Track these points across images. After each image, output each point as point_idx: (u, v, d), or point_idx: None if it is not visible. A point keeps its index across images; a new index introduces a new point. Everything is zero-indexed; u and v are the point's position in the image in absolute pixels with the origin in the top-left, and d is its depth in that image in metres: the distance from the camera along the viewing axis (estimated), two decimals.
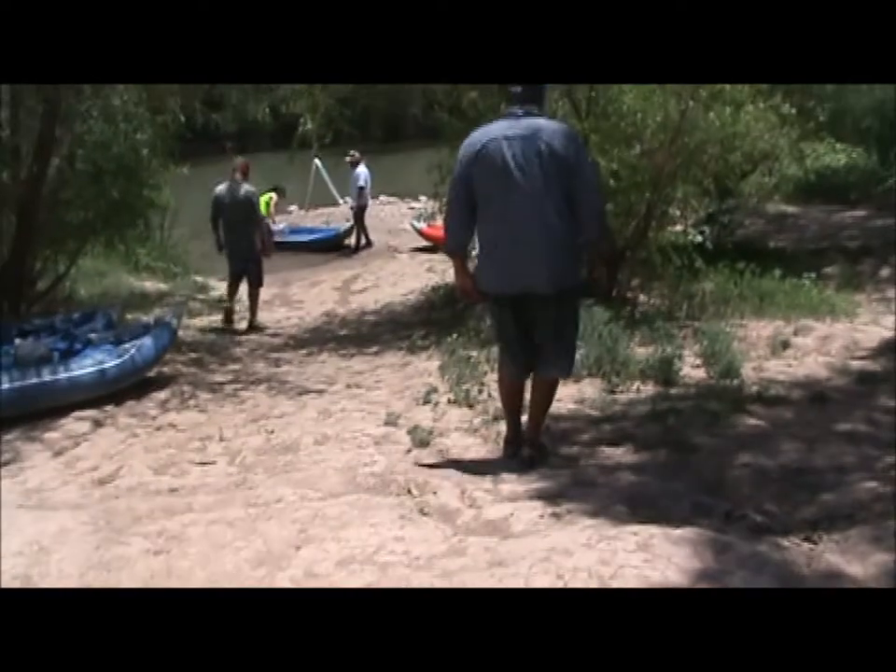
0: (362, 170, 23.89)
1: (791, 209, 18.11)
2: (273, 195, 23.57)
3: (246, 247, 15.20)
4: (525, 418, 6.92)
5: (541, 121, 6.30)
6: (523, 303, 6.44)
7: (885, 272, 13.41)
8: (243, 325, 15.57)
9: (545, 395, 6.81)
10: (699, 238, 13.23)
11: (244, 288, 15.60)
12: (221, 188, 15.17)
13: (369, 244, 24.32)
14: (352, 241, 24.30)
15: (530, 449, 6.78)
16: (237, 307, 15.69)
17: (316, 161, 25.50)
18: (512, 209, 6.23)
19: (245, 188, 15.10)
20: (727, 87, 11.88)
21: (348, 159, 23.86)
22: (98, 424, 9.69)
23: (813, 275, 12.72)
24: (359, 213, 24.16)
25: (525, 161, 6.17)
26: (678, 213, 13.50)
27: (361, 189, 23.87)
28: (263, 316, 16.19)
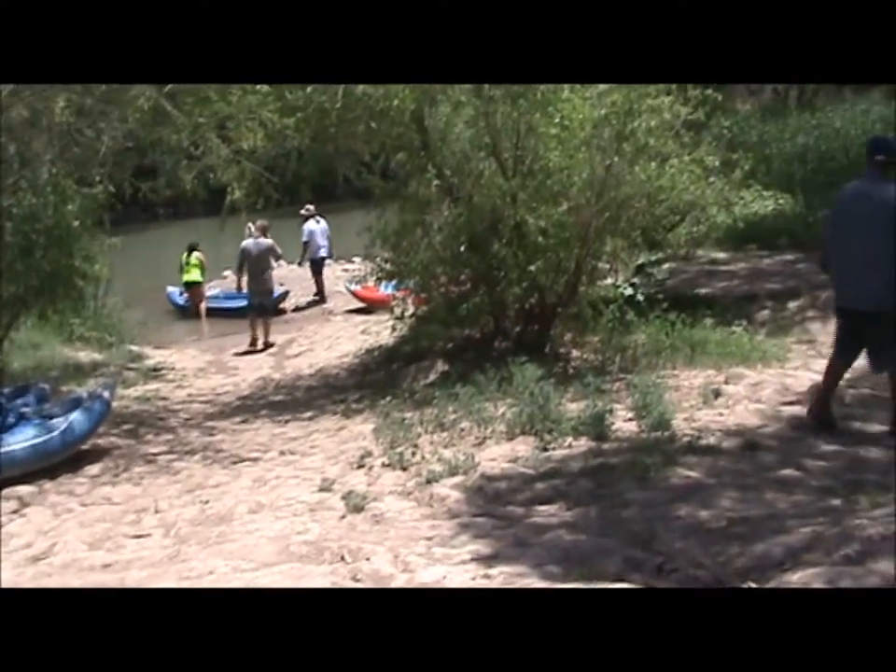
0: (306, 225, 23.88)
1: (721, 256, 18.24)
2: (198, 254, 23.49)
3: (264, 286, 20.05)
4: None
5: (889, 185, 7.93)
6: (857, 315, 8.17)
7: (812, 314, 13.53)
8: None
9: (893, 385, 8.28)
10: (629, 291, 13.35)
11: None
12: (247, 242, 20.04)
13: (318, 297, 24.38)
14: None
15: None
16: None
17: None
18: (850, 246, 8.11)
19: (264, 242, 19.96)
20: (651, 141, 12.02)
21: (303, 211, 23.83)
22: (32, 499, 9.60)
23: (744, 322, 12.80)
24: (313, 266, 24.26)
25: (867, 212, 8.00)
26: (607, 267, 13.61)
27: (305, 243, 23.95)
28: (198, 383, 16.37)
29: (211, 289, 24.24)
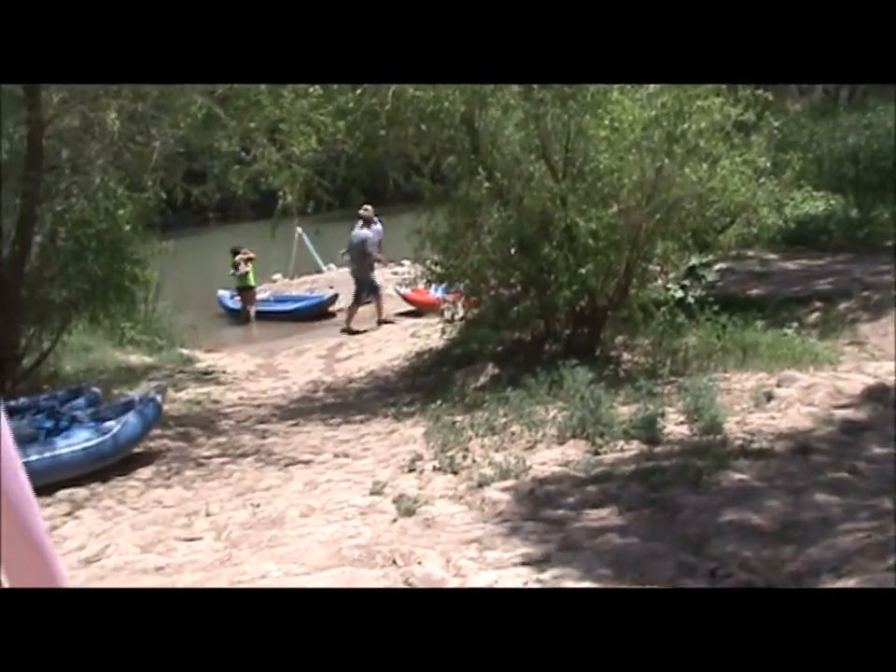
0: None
1: (772, 257, 18.18)
2: (240, 257, 23.31)
3: (360, 273, 21.45)
4: None
5: None
6: None
7: (865, 317, 13.44)
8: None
9: None
10: (680, 293, 13.28)
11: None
12: (353, 232, 21.67)
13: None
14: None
15: None
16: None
17: (299, 229, 25.41)
18: None
19: (361, 233, 21.43)
20: (701, 143, 11.96)
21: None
22: (85, 502, 9.66)
23: (795, 325, 12.73)
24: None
25: None
26: (658, 269, 13.53)
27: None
28: (249, 386, 16.45)
29: (261, 292, 24.24)
